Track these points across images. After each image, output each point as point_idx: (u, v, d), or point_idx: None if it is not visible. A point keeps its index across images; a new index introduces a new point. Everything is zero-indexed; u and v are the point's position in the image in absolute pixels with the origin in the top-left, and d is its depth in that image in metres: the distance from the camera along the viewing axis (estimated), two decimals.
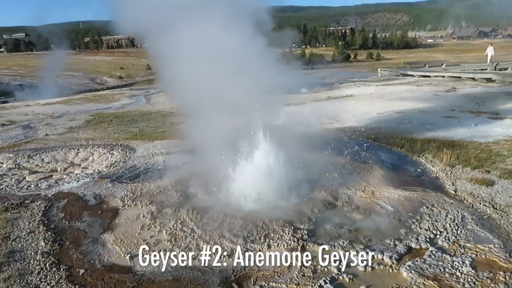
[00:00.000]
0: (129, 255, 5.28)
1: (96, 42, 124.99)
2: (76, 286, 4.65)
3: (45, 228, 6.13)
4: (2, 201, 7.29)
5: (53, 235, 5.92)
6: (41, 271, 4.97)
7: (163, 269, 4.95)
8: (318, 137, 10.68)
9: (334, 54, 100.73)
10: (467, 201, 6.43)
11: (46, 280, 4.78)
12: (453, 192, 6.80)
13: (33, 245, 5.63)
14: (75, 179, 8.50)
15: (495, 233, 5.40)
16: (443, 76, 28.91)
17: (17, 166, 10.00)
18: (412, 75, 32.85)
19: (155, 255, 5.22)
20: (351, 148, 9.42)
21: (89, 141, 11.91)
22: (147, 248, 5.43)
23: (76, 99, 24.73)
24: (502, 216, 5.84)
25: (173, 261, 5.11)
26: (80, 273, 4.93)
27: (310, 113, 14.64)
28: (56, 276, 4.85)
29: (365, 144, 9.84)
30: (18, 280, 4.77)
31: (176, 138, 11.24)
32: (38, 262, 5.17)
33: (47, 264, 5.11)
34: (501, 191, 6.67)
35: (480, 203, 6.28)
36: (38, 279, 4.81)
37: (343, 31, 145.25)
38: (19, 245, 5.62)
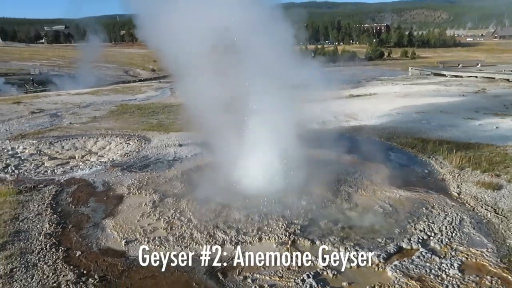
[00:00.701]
0: (125, 240, 5.50)
1: (132, 35, 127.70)
2: (71, 267, 4.90)
3: (52, 211, 6.45)
4: (18, 184, 7.70)
5: (58, 218, 6.23)
6: (41, 251, 5.25)
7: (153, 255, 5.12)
8: (331, 135, 10.67)
9: (367, 52, 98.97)
10: (469, 204, 6.29)
11: (44, 260, 5.05)
12: (456, 195, 6.66)
13: (38, 226, 5.95)
14: (88, 167, 8.84)
15: (491, 238, 5.28)
16: (476, 77, 27.99)
17: (38, 152, 10.48)
18: (444, 75, 31.95)
19: (148, 242, 5.42)
20: (361, 146, 9.37)
21: (108, 131, 12.31)
22: (142, 235, 5.63)
23: (105, 90, 25.48)
24: (502, 221, 5.69)
25: (165, 248, 5.28)
26: (77, 255, 5.18)
27: (329, 110, 14.51)
28: (54, 257, 5.12)
29: (377, 143, 9.75)
30: (19, 258, 5.07)
31: (191, 130, 11.44)
32: (40, 243, 5.47)
33: (48, 245, 5.40)
34: (507, 196, 6.48)
35: (482, 207, 6.13)
36: (37, 258, 5.09)
37: (378, 28, 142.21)
38: (26, 226, 5.95)
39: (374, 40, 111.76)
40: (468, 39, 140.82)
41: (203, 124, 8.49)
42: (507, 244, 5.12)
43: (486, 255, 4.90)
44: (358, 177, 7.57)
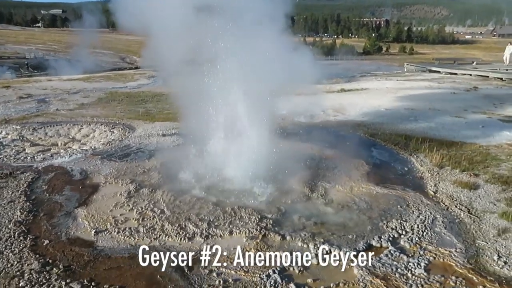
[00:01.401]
0: (94, 230, 5.46)
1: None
2: (37, 256, 4.85)
3: (25, 199, 6.39)
4: None
5: (31, 205, 6.17)
6: (9, 239, 5.20)
7: (121, 246, 5.10)
8: (316, 129, 10.66)
9: (365, 46, 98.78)
10: (444, 203, 6.29)
11: (11, 248, 5.01)
12: (432, 193, 6.66)
13: (9, 213, 5.89)
14: (68, 154, 8.77)
15: (461, 238, 5.28)
16: (470, 75, 27.93)
17: (21, 138, 10.39)
18: (439, 72, 31.90)
19: (118, 232, 5.38)
20: (344, 142, 9.35)
21: (94, 118, 12.22)
22: (113, 225, 5.59)
23: (97, 77, 25.28)
24: (474, 221, 5.69)
25: (134, 239, 5.25)
26: (44, 244, 5.14)
27: (318, 104, 14.46)
28: (21, 245, 5.08)
29: (360, 139, 9.73)
30: None
31: (176, 120, 11.38)
32: (8, 230, 5.42)
33: (16, 233, 5.35)
34: (483, 196, 6.48)
35: (456, 206, 6.13)
36: (3, 246, 5.05)
37: (378, 22, 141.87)
38: None
39: (373, 35, 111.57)
40: (467, 37, 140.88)
41: (186, 114, 8.47)
42: (476, 244, 5.12)
43: (454, 255, 4.89)
44: (337, 173, 7.55)
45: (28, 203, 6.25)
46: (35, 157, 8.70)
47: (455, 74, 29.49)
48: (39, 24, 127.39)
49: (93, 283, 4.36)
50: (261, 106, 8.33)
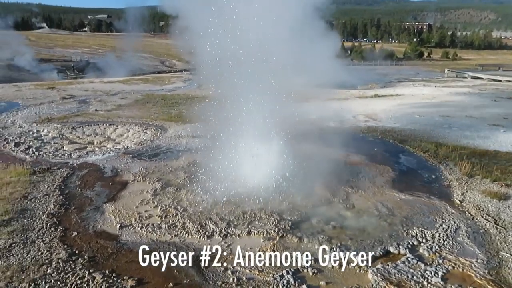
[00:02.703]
0: (119, 225, 5.72)
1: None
2: (65, 246, 5.15)
3: (59, 193, 6.77)
4: (34, 165, 8.10)
5: (63, 199, 6.54)
6: (41, 229, 5.55)
7: (143, 241, 5.32)
8: (344, 134, 10.59)
9: (406, 51, 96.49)
10: (469, 213, 6.12)
11: (42, 238, 5.33)
12: (459, 202, 6.48)
13: (44, 206, 6.27)
14: (102, 152, 9.18)
15: (484, 248, 5.14)
16: None
17: (60, 136, 10.97)
18: (481, 78, 30.82)
19: (141, 228, 5.62)
20: (371, 148, 9.27)
21: (129, 119, 12.70)
22: (138, 220, 5.83)
23: (136, 80, 26.16)
24: (500, 232, 5.51)
25: (156, 235, 5.46)
26: (72, 235, 5.44)
27: (349, 109, 14.39)
28: (52, 235, 5.40)
29: (388, 145, 9.60)
30: (20, 235, 5.37)
31: (207, 122, 11.61)
32: (42, 221, 5.77)
33: (48, 224, 5.69)
34: None
35: (483, 217, 5.95)
36: (36, 235, 5.38)
37: (420, 27, 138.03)
38: (33, 205, 6.28)
39: (414, 40, 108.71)
40: None
41: (217, 117, 8.65)
42: (500, 256, 4.96)
43: (475, 265, 4.77)
44: (361, 178, 7.50)
45: (61, 197, 6.62)
46: (72, 154, 9.16)
47: (499, 80, 28.38)
48: (86, 29, 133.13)
49: (114, 274, 4.58)
50: (287, 111, 8.44)
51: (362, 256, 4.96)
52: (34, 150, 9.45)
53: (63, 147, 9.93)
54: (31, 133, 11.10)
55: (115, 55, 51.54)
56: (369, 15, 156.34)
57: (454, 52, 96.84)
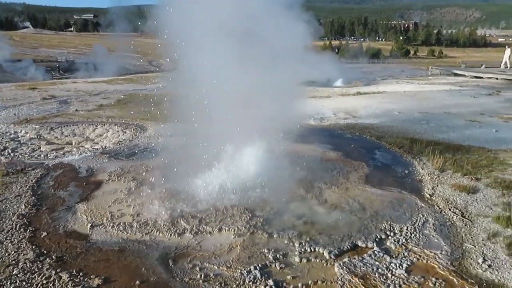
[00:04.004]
0: (90, 224, 5.71)
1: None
2: (33, 246, 5.12)
3: (31, 193, 6.73)
4: (9, 166, 8.04)
5: (35, 200, 6.50)
6: (10, 230, 5.51)
7: (113, 240, 5.32)
8: (323, 131, 10.70)
9: (392, 49, 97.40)
10: (438, 206, 6.23)
11: (11, 239, 5.30)
12: (428, 196, 6.60)
13: (15, 207, 6.22)
14: (79, 153, 9.13)
15: (449, 240, 5.24)
16: (497, 78, 27.22)
17: (38, 137, 10.87)
18: (464, 75, 31.22)
19: (112, 227, 5.62)
20: (349, 144, 9.36)
21: (109, 119, 12.63)
22: (109, 220, 5.83)
23: (120, 80, 26.00)
24: (466, 225, 5.63)
25: (126, 233, 5.47)
26: (42, 236, 5.41)
27: (330, 107, 14.50)
28: (20, 236, 5.37)
29: (365, 142, 9.72)
30: None
31: (188, 121, 11.60)
32: (11, 222, 5.73)
33: (18, 225, 5.65)
34: (480, 200, 6.39)
35: (450, 210, 6.07)
36: (4, 236, 5.35)
37: (406, 25, 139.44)
38: (3, 206, 6.23)
39: (401, 38, 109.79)
40: (500, 39, 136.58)
41: (196, 116, 8.66)
42: (463, 247, 5.07)
43: (439, 257, 4.87)
44: (335, 174, 7.58)
45: (33, 197, 6.57)
46: (48, 155, 9.09)
47: (481, 77, 28.79)
48: (72, 29, 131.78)
49: (81, 273, 4.58)
50: (265, 108, 8.48)
51: (330, 250, 5.03)
52: (9, 152, 9.35)
53: (40, 148, 9.85)
54: (8, 134, 10.99)
55: (101, 55, 51.12)
56: (357, 14, 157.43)
57: (440, 50, 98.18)
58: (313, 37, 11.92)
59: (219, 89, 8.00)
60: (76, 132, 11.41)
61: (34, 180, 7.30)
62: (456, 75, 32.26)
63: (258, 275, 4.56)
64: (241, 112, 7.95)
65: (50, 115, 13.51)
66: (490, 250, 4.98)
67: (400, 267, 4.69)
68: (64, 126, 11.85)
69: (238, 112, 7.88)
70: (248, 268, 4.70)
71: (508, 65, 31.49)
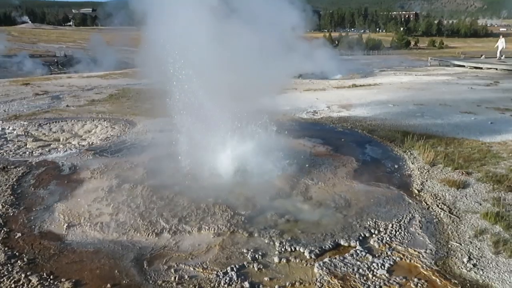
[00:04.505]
0: (67, 224, 5.55)
1: None
2: (5, 248, 4.97)
3: (11, 192, 6.57)
4: None
5: (14, 199, 6.34)
6: None
7: (89, 241, 5.17)
8: (314, 125, 10.52)
9: (393, 40, 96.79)
10: (426, 202, 6.06)
11: None
12: (417, 192, 6.42)
13: None
14: (64, 150, 8.96)
15: (435, 238, 5.07)
16: (496, 69, 26.92)
17: (25, 133, 10.71)
18: (463, 66, 30.91)
19: (89, 226, 5.47)
20: (339, 138, 9.19)
21: (99, 115, 12.46)
22: (87, 219, 5.68)
23: (115, 74, 25.77)
24: (453, 222, 5.45)
25: (103, 234, 5.32)
26: (16, 237, 5.26)
27: (325, 100, 14.28)
28: None
29: (356, 135, 9.54)
30: None
31: (179, 117, 11.42)
32: None
33: None
34: (470, 195, 6.21)
35: (438, 206, 5.89)
36: None
37: (407, 16, 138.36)
38: None
39: (401, 29, 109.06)
40: (501, 29, 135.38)
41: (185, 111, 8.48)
42: (449, 246, 4.90)
43: (423, 256, 4.71)
44: (323, 170, 7.40)
45: (12, 197, 6.42)
46: (34, 152, 8.93)
47: (481, 68, 28.48)
48: (70, 23, 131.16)
49: (52, 276, 4.43)
50: (259, 103, 8.32)
51: (311, 249, 4.87)
52: None
53: (26, 145, 9.68)
54: None
55: (100, 50, 50.77)
56: (357, 5, 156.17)
57: (441, 41, 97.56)
58: (307, 27, 11.69)
59: (201, 79, 7.84)
60: (64, 128, 11.24)
61: (15, 179, 7.14)
62: (455, 66, 31.94)
63: (234, 276, 4.41)
64: (226, 105, 7.80)
65: (40, 111, 13.34)
66: (476, 249, 4.81)
67: (382, 267, 4.53)
68: (53, 122, 11.68)
69: (222, 105, 7.73)
70: (225, 270, 4.54)
71: (499, 55, 31.55)
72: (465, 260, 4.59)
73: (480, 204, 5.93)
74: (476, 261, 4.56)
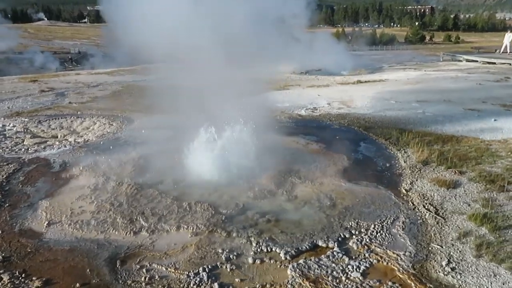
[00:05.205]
0: (47, 222, 5.56)
1: None
2: None
3: None
4: None
5: (0, 196, 6.39)
6: None
7: (66, 239, 5.16)
8: (311, 122, 10.39)
9: (407, 35, 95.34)
10: (412, 202, 5.90)
11: None
12: (405, 192, 6.26)
13: None
14: (58, 146, 9.01)
15: (416, 240, 4.93)
16: (510, 64, 26.24)
17: (25, 130, 10.81)
18: (476, 61, 30.23)
19: (69, 224, 5.46)
20: (334, 136, 9.05)
21: (99, 111, 12.52)
22: (68, 217, 5.68)
23: (123, 70, 25.92)
24: (438, 223, 5.29)
25: (81, 232, 5.31)
26: None
27: (326, 96, 14.09)
28: None
29: (352, 133, 9.38)
30: None
31: (177, 114, 11.40)
32: None
33: None
34: (460, 196, 6.02)
35: (425, 206, 5.73)
36: None
37: (422, 10, 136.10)
38: None
39: (416, 23, 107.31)
40: None
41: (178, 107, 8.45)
42: (430, 248, 4.75)
43: (401, 258, 4.57)
44: (312, 168, 7.28)
45: None
46: (29, 149, 9.00)
47: (494, 63, 27.81)
48: (85, 20, 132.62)
49: (23, 275, 4.43)
50: (258, 100, 8.24)
51: (287, 250, 4.78)
52: None
53: (23, 141, 9.77)
54: None
55: (114, 46, 50.97)
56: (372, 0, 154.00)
57: (457, 35, 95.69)
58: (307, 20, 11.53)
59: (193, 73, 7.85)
60: (63, 125, 11.32)
61: (5, 176, 7.20)
62: (468, 61, 31.26)
63: (205, 277, 4.35)
64: (221, 101, 7.76)
65: (42, 107, 13.47)
66: (458, 251, 4.65)
67: (357, 269, 4.41)
68: (53, 119, 11.78)
69: (214, 99, 7.70)
70: (197, 270, 4.48)
71: (508, 50, 30.82)
72: (443, 263, 4.44)
73: (469, 205, 5.74)
74: (455, 265, 4.41)
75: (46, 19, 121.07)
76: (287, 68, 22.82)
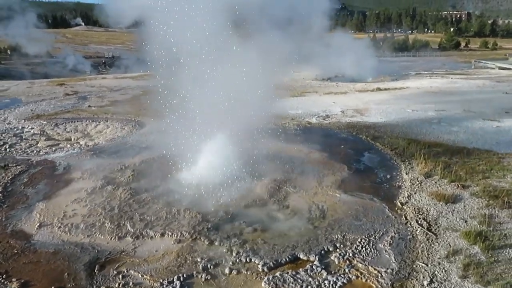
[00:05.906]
0: (39, 224, 5.69)
1: None
2: None
3: (1, 190, 6.85)
4: None
5: (1, 197, 6.60)
6: None
7: (53, 241, 5.26)
8: (319, 130, 10.25)
9: (441, 41, 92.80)
10: (406, 216, 5.68)
11: None
12: (400, 205, 6.04)
13: None
14: (67, 149, 9.25)
15: (401, 257, 4.73)
16: None
17: (41, 133, 11.17)
18: (509, 69, 29.14)
19: (59, 227, 5.57)
20: (339, 145, 8.87)
21: (114, 115, 12.79)
22: (60, 220, 5.79)
23: (148, 75, 26.40)
24: (428, 239, 5.07)
25: (68, 235, 5.40)
26: None
27: (342, 104, 13.86)
28: None
29: (358, 142, 9.16)
30: None
31: (188, 119, 11.50)
32: None
33: None
34: (458, 211, 5.76)
35: (417, 221, 5.50)
36: None
37: (458, 16, 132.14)
38: None
39: (452, 29, 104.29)
40: None
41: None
42: (414, 266, 4.55)
43: (381, 276, 4.40)
44: (310, 177, 7.14)
45: (1, 194, 6.68)
46: (40, 151, 9.29)
47: None
48: (121, 25, 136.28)
49: (4, 276, 4.55)
50: (269, 107, 8.18)
51: (265, 262, 4.69)
52: (7, 147, 9.64)
53: (37, 144, 10.09)
54: (14, 129, 11.38)
55: (143, 50, 52.06)
56: (405, 5, 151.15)
57: (494, 41, 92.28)
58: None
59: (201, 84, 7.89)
60: (78, 128, 11.62)
61: (10, 177, 7.44)
62: (501, 68, 30.15)
63: (178, 286, 4.32)
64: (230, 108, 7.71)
65: (63, 111, 13.89)
66: (443, 271, 4.43)
67: (334, 285, 4.28)
68: (70, 122, 12.12)
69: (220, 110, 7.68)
70: (172, 278, 4.47)
71: None
72: (425, 283, 4.24)
73: (465, 221, 5.47)
74: (438, 285, 4.21)
75: (83, 24, 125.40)
76: (310, 74, 22.67)
